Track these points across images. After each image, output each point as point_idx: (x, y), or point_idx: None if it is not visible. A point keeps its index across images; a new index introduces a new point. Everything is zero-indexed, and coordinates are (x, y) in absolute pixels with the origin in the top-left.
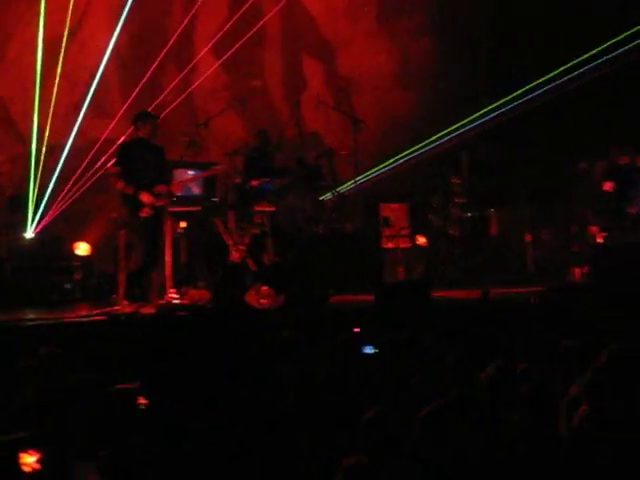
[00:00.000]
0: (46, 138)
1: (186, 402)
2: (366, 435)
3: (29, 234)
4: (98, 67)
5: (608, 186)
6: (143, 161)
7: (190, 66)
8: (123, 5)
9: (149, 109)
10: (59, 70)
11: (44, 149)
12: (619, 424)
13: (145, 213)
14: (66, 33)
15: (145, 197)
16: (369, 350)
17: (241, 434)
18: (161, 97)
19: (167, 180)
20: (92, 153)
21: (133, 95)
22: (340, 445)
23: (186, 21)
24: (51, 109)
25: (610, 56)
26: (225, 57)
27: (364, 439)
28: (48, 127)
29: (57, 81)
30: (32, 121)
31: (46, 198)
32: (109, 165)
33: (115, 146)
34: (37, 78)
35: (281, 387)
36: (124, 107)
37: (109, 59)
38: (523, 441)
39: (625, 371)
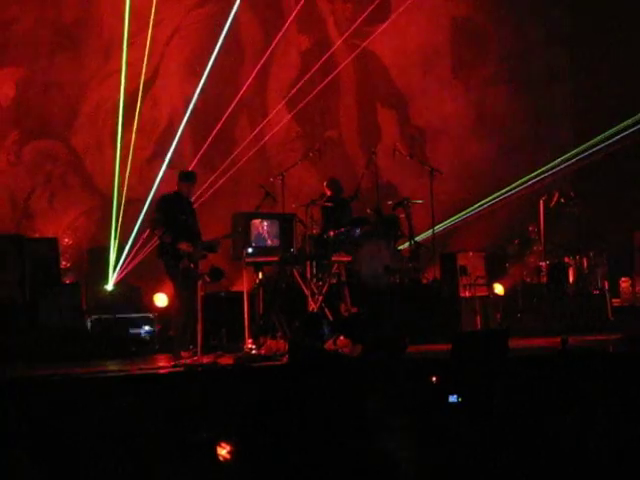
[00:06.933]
0: (123, 191)
1: (271, 452)
2: None
3: (109, 286)
4: (171, 121)
5: None
6: (183, 214)
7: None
8: (195, 59)
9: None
10: (134, 124)
11: (122, 202)
12: None
13: (185, 264)
14: (141, 88)
15: (183, 246)
16: (454, 399)
17: None
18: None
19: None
20: None
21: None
22: None
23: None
24: (128, 163)
25: None
26: (299, 108)
27: None
28: (125, 180)
29: (132, 135)
30: (111, 175)
31: (125, 250)
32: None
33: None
34: (118, 132)
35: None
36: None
37: (181, 112)
38: None
39: None
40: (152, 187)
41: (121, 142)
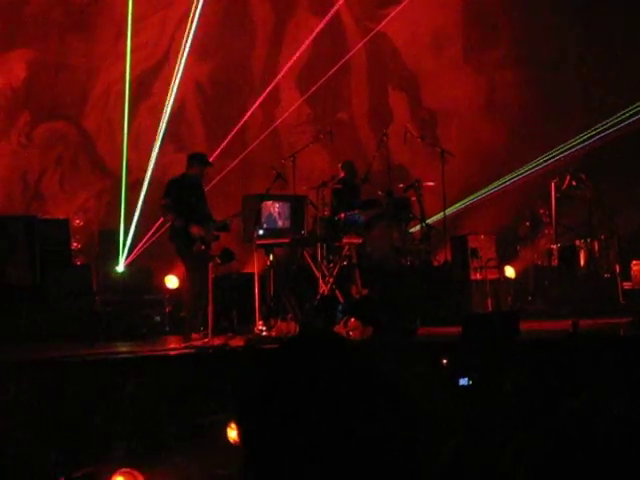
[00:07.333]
0: (133, 173)
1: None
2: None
3: (120, 267)
4: (181, 103)
5: None
6: (192, 197)
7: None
8: (205, 41)
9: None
10: (144, 106)
11: (142, 184)
12: None
13: (197, 247)
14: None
15: (195, 229)
16: (464, 382)
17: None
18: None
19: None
20: None
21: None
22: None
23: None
24: (138, 145)
25: None
26: (311, 91)
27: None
28: (135, 162)
29: (143, 117)
30: (121, 156)
31: (135, 231)
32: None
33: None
34: (125, 114)
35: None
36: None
37: (192, 94)
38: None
39: None
40: (162, 170)
41: (129, 124)
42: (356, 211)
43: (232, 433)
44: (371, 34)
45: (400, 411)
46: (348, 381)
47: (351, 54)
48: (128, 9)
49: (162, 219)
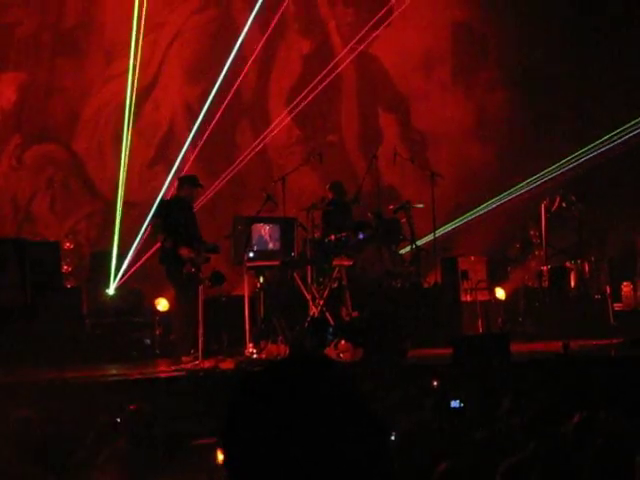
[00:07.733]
0: (124, 195)
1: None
2: None
3: (111, 290)
4: (171, 125)
5: None
6: (183, 219)
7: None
8: (196, 63)
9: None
10: (134, 128)
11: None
12: None
13: (187, 269)
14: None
15: (184, 252)
16: (455, 404)
17: None
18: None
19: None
20: None
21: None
22: None
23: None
24: (130, 167)
25: None
26: (299, 111)
27: None
28: (125, 184)
29: (133, 139)
30: (113, 179)
31: (128, 255)
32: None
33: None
34: (124, 135)
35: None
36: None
37: (182, 116)
38: None
39: None
40: (153, 192)
41: (129, 146)
42: (346, 234)
43: (221, 456)
44: (356, 52)
45: (384, 433)
46: (338, 403)
47: (336, 73)
48: (133, 25)
49: (154, 241)
